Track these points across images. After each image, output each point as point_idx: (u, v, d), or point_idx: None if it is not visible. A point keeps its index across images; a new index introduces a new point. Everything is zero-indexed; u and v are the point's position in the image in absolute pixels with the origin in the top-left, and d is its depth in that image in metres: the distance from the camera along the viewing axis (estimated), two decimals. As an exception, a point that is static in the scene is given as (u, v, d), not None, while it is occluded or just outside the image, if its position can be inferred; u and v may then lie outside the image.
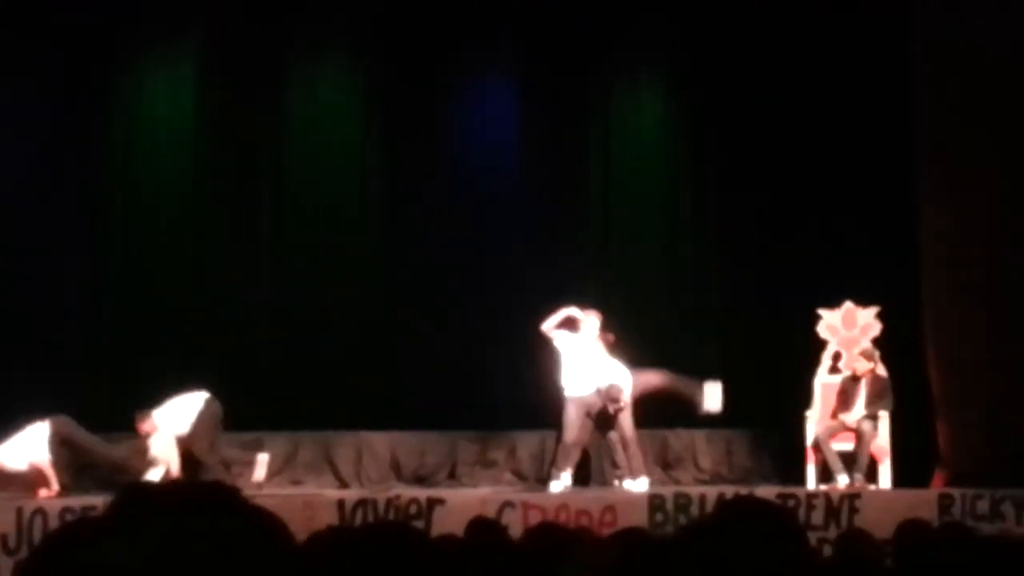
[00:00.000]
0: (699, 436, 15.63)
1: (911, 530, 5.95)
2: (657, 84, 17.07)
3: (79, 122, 15.37)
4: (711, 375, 14.47)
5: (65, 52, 15.25)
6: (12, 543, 11.29)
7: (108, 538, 1.54)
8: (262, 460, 13.87)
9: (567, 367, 14.03)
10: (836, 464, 14.03)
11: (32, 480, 13.07)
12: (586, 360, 13.96)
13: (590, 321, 14.14)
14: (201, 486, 1.66)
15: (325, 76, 16.37)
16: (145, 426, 13.62)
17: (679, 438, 15.66)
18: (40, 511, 11.53)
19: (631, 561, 1.74)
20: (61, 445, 13.32)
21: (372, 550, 2.23)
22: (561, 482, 13.74)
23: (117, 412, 14.03)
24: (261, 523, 1.60)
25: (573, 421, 13.89)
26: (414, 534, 2.32)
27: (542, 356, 14.32)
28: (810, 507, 12.93)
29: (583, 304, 14.33)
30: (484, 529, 4.52)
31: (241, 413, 14.70)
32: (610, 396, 13.82)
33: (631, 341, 14.52)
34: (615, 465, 14.22)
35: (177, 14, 15.80)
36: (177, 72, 15.99)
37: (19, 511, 11.59)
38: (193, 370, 14.95)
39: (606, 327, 14.29)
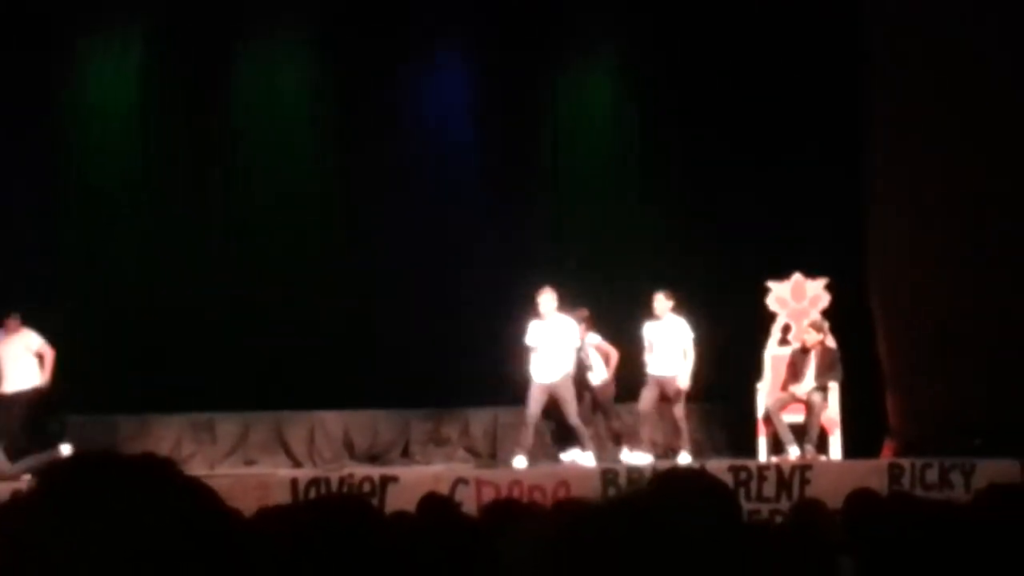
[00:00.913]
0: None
1: (860, 500, 6.04)
2: (606, 57, 17.08)
3: (23, 109, 15.27)
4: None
5: (8, 35, 15.17)
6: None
7: (38, 516, 1.54)
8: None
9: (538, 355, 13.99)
10: (787, 436, 14.14)
11: None
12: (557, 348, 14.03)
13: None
14: (136, 459, 1.65)
15: (275, 55, 16.30)
16: None
17: (631, 413, 15.72)
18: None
19: (565, 528, 1.79)
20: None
21: (324, 524, 2.26)
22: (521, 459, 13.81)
23: (59, 392, 14.01)
24: (198, 495, 1.60)
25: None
26: (365, 507, 2.37)
27: (502, 336, 14.39)
28: (762, 479, 13.04)
29: (538, 283, 14.35)
30: (436, 505, 4.58)
31: (193, 394, 14.71)
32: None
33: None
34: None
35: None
36: (123, 55, 15.92)
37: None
38: (142, 352, 14.95)
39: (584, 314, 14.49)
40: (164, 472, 1.60)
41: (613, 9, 16.71)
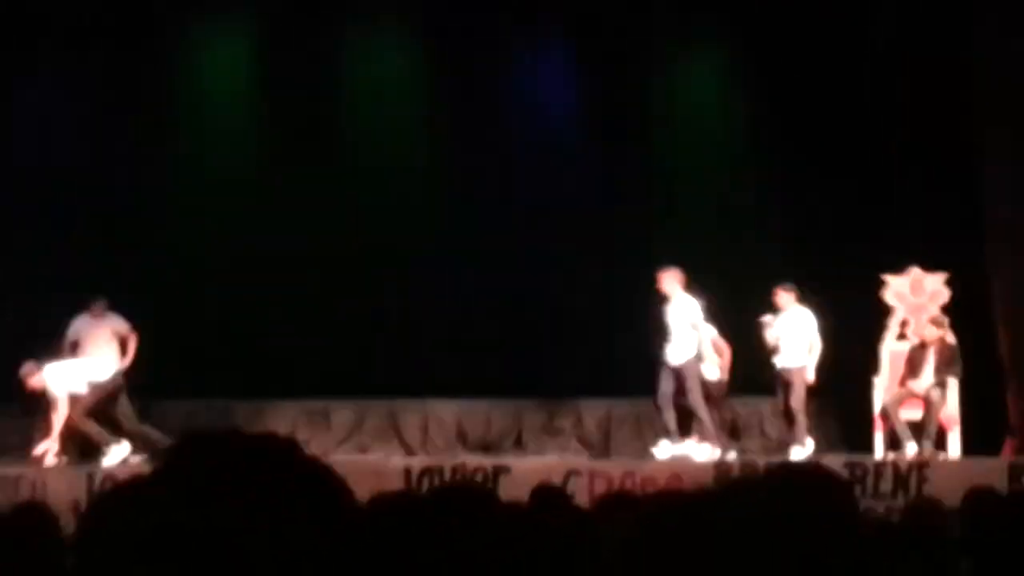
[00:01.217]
0: (765, 404, 15.57)
1: (979, 498, 5.93)
2: (715, 47, 16.96)
3: (132, 95, 15.56)
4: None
5: (124, 22, 15.48)
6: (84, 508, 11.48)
7: (162, 491, 1.57)
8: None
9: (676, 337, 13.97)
10: (904, 432, 13.93)
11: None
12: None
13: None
14: (258, 438, 1.66)
15: (382, 40, 16.45)
16: None
17: (745, 406, 15.61)
18: (111, 477, 11.74)
19: (665, 515, 1.77)
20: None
21: (443, 510, 2.27)
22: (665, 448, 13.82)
23: (171, 380, 14.25)
24: (319, 475, 1.61)
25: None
26: (483, 495, 2.37)
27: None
28: (878, 476, 12.88)
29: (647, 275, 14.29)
30: (549, 495, 4.58)
31: (308, 381, 14.87)
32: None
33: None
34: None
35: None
36: (235, 41, 16.21)
37: (90, 476, 11.81)
38: (257, 338, 15.14)
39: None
40: (287, 450, 1.62)
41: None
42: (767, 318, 14.26)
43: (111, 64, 15.53)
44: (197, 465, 1.59)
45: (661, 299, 13.92)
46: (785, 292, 14.21)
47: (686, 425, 13.99)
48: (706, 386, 14.39)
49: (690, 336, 13.83)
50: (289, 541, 1.53)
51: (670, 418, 13.80)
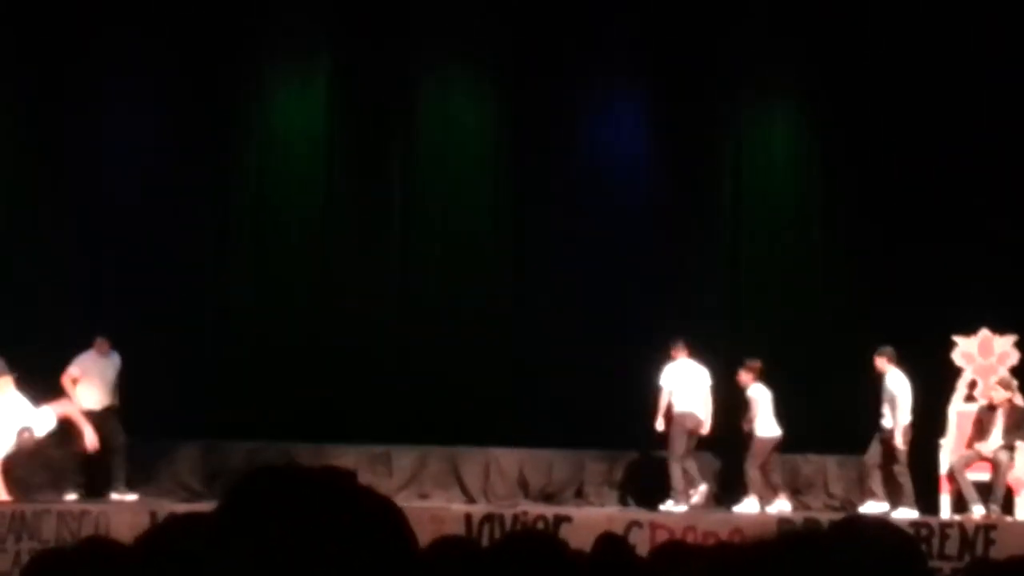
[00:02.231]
0: (831, 461, 15.43)
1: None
2: (787, 100, 16.93)
3: (213, 136, 15.77)
4: (843, 401, 14.51)
5: (198, 68, 15.72)
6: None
7: (220, 529, 1.58)
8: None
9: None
10: (971, 494, 13.78)
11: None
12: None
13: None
14: (318, 473, 1.67)
15: (455, 90, 16.54)
16: None
17: (810, 463, 15.48)
18: (173, 513, 11.79)
19: (727, 563, 1.76)
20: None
21: (507, 556, 2.26)
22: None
23: (235, 422, 14.34)
24: (380, 512, 1.61)
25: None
26: (549, 542, 2.37)
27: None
28: (944, 536, 12.72)
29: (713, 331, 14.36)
30: (612, 545, 4.56)
31: (370, 426, 14.90)
32: None
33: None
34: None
35: (308, 28, 16.14)
36: (309, 86, 16.34)
37: (152, 513, 11.88)
38: (320, 382, 15.20)
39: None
40: (346, 483, 1.62)
41: (795, 51, 16.51)
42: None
43: (186, 101, 15.73)
44: (262, 498, 1.60)
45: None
46: (880, 357, 14.22)
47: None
48: (757, 442, 14.48)
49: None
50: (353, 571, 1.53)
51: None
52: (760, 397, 14.58)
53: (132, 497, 13.72)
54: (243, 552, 1.52)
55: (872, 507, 13.91)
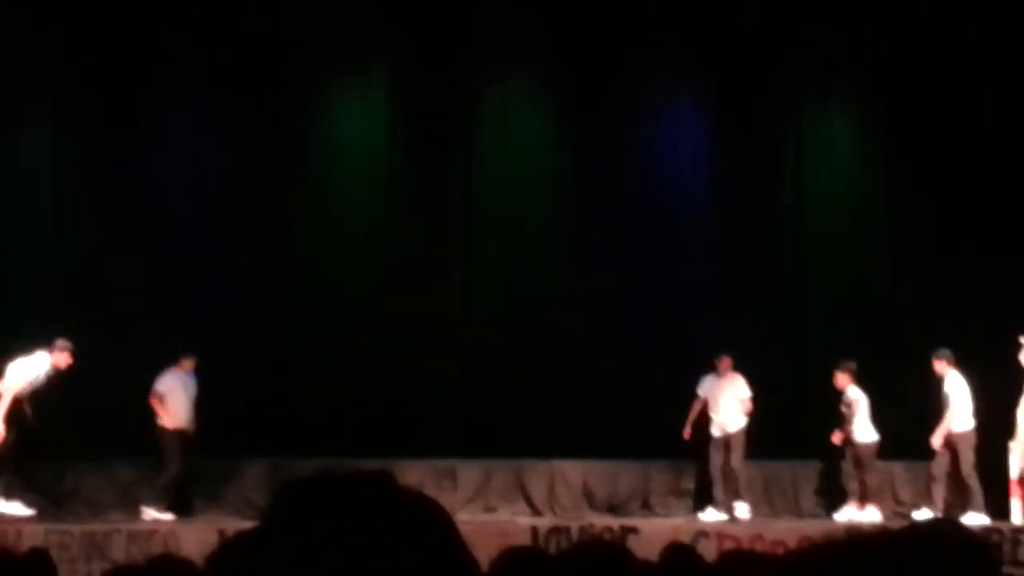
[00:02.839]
0: (898, 468, 15.31)
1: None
2: (848, 104, 16.86)
3: (275, 147, 15.87)
4: (909, 406, 14.41)
5: (261, 80, 15.83)
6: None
7: (273, 540, 1.56)
8: None
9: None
10: (1044, 499, 13.65)
11: None
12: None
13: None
14: (361, 476, 1.64)
15: (514, 100, 16.57)
16: None
17: (878, 470, 15.36)
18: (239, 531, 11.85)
19: (795, 567, 1.74)
20: None
21: (573, 566, 2.25)
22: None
23: (301, 439, 14.42)
24: (425, 513, 1.59)
25: None
26: (617, 551, 2.35)
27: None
28: (1015, 543, 12.59)
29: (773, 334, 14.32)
30: (680, 554, 4.54)
31: (435, 440, 14.91)
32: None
33: (824, 385, 14.61)
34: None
35: (370, 40, 16.22)
36: (369, 98, 16.42)
37: (221, 532, 11.95)
38: (385, 397, 15.23)
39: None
40: (391, 489, 1.61)
41: (854, 54, 16.43)
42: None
43: (250, 114, 15.85)
44: (303, 506, 1.59)
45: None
46: (939, 360, 14.14)
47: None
48: (855, 447, 14.49)
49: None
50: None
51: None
52: (859, 399, 14.51)
53: (168, 516, 13.76)
54: (287, 562, 1.52)
55: (926, 514, 13.81)
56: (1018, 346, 14.58)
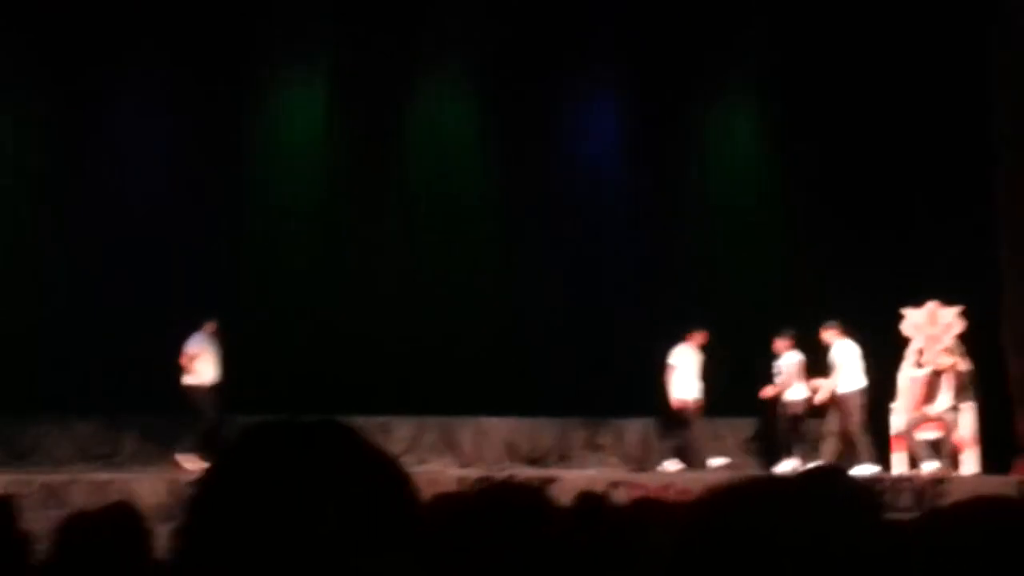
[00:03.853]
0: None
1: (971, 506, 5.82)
2: (748, 97, 16.98)
3: (219, 138, 15.74)
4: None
5: (205, 74, 15.68)
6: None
7: (230, 484, 1.54)
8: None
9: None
10: (922, 452, 13.84)
11: None
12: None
13: None
14: (317, 423, 1.61)
15: (443, 91, 16.54)
16: None
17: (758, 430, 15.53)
18: (190, 481, 11.76)
19: (695, 513, 1.74)
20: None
21: (501, 505, 2.25)
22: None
23: (247, 397, 14.31)
24: (376, 457, 1.58)
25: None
26: (539, 494, 2.36)
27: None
28: (897, 491, 12.76)
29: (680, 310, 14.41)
30: (591, 499, 4.57)
31: (371, 398, 14.90)
32: None
33: (728, 350, 14.69)
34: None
35: (309, 34, 16.11)
36: (310, 89, 16.33)
37: (172, 483, 11.90)
38: (323, 361, 15.18)
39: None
40: (346, 435, 1.60)
41: (756, 49, 16.52)
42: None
43: (198, 104, 15.71)
44: (263, 450, 1.57)
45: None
46: (827, 330, 14.26)
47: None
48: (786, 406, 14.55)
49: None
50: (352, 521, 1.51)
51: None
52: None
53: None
54: (242, 509, 1.49)
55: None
56: (901, 317, 14.80)
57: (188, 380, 14.30)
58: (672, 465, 14.58)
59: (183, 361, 14.31)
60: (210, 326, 14.52)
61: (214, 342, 14.55)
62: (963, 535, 2.26)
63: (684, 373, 14.74)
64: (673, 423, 14.91)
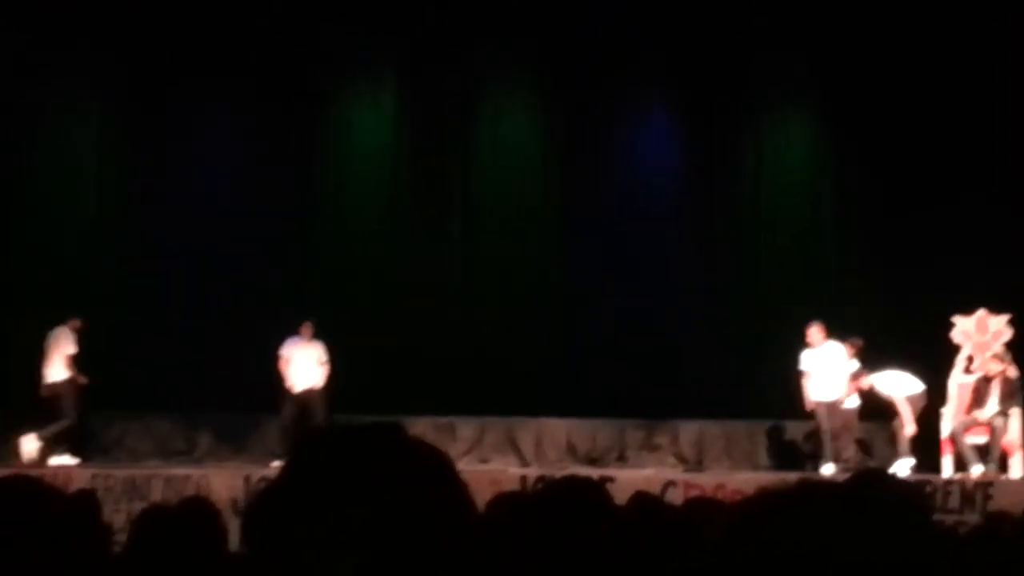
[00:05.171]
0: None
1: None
2: (804, 115, 16.88)
3: (293, 152, 15.94)
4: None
5: (277, 87, 15.88)
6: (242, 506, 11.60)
7: (295, 490, 1.54)
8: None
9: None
10: (970, 456, 13.68)
11: None
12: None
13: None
14: (375, 427, 1.62)
15: (507, 106, 16.62)
16: None
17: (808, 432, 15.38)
18: (264, 476, 11.86)
19: (749, 512, 1.72)
20: None
21: (564, 497, 2.24)
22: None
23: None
24: (432, 459, 1.58)
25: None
26: (598, 488, 2.34)
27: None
28: (946, 493, 12.61)
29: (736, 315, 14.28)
30: (646, 499, 4.54)
31: (436, 399, 14.94)
32: None
33: (781, 353, 14.57)
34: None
35: (381, 52, 16.27)
36: (379, 104, 16.49)
37: (247, 478, 11.95)
38: (390, 363, 15.24)
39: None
40: (396, 434, 1.59)
41: (812, 69, 16.42)
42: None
43: (269, 116, 15.91)
44: (319, 456, 1.58)
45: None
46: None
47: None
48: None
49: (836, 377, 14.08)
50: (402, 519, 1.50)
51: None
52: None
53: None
54: (305, 508, 1.50)
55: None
56: (951, 325, 14.65)
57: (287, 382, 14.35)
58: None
59: (279, 364, 14.35)
60: (307, 329, 14.52)
61: (308, 346, 14.49)
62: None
63: (816, 376, 14.37)
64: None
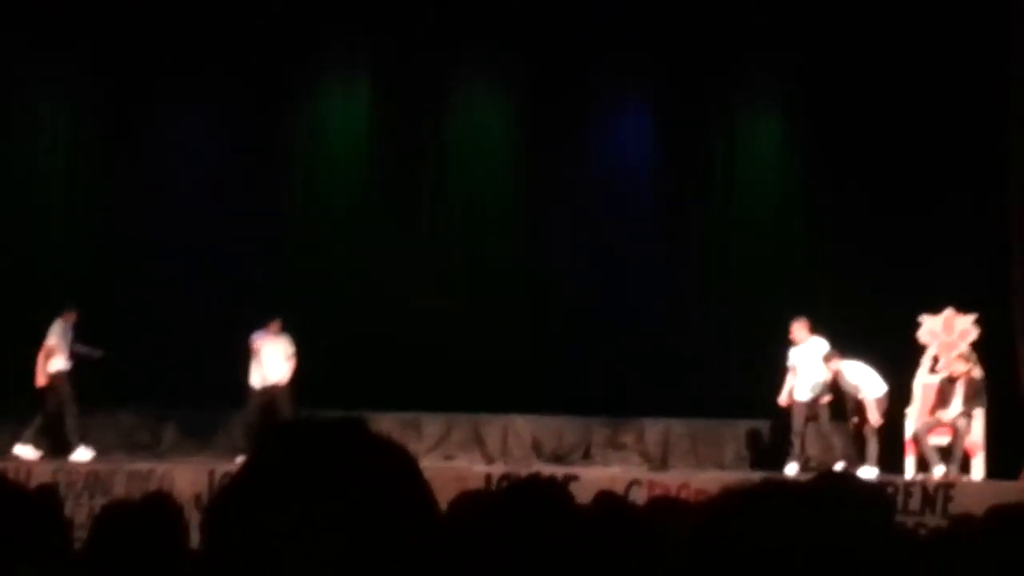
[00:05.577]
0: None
1: (1000, 516, 5.79)
2: (778, 113, 16.90)
3: (265, 146, 15.92)
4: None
5: (257, 78, 15.83)
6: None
7: (257, 484, 1.53)
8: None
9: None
10: (933, 456, 13.73)
11: None
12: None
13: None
14: (337, 423, 1.61)
15: (481, 100, 16.59)
16: None
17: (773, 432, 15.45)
18: (227, 472, 11.81)
19: (712, 513, 1.72)
20: None
21: (524, 497, 2.23)
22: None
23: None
24: (394, 456, 1.57)
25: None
26: (560, 489, 2.33)
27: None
28: (908, 494, 12.68)
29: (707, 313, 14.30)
30: (608, 499, 4.54)
31: (401, 395, 14.92)
32: None
33: (748, 352, 14.61)
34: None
35: (352, 49, 16.26)
36: (350, 97, 16.45)
37: (211, 472, 11.90)
38: (357, 358, 15.21)
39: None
40: (360, 430, 1.58)
41: (784, 64, 16.45)
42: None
43: (243, 109, 15.92)
44: (284, 449, 1.56)
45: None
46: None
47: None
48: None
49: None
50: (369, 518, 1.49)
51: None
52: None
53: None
54: (266, 503, 1.49)
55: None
56: (918, 325, 14.71)
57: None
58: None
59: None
60: (274, 325, 14.48)
61: (275, 341, 14.47)
62: (984, 545, 2.22)
63: (801, 374, 14.40)
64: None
